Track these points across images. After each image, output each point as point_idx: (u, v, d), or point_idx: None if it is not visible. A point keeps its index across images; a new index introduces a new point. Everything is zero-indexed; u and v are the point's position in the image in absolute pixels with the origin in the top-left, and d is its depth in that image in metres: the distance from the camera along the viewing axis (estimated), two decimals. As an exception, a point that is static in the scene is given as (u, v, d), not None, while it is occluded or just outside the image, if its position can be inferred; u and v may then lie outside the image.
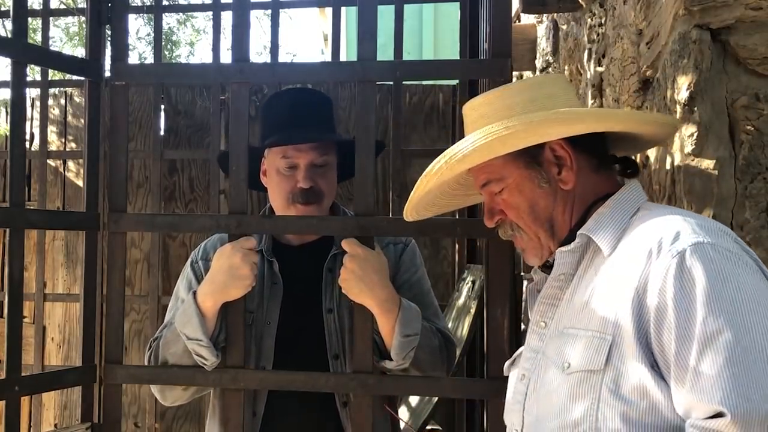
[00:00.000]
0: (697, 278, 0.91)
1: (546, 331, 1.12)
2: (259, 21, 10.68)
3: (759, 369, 0.86)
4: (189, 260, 1.75)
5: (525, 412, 1.11)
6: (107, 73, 1.72)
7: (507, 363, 1.27)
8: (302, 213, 1.62)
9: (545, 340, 1.11)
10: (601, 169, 1.15)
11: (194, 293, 1.55)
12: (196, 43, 12.33)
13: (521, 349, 1.24)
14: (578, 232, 1.09)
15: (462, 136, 1.18)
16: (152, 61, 4.48)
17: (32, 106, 3.66)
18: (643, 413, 0.93)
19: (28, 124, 3.56)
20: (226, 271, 1.51)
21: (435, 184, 1.19)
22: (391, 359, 1.51)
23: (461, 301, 2.61)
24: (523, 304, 2.99)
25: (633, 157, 1.24)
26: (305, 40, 32.40)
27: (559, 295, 1.12)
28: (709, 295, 0.90)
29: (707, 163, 1.25)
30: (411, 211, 1.31)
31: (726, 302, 0.89)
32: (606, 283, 1.01)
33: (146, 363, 1.65)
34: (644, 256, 0.97)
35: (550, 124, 1.08)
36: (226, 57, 3.27)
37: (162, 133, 3.50)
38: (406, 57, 2.67)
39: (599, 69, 2.08)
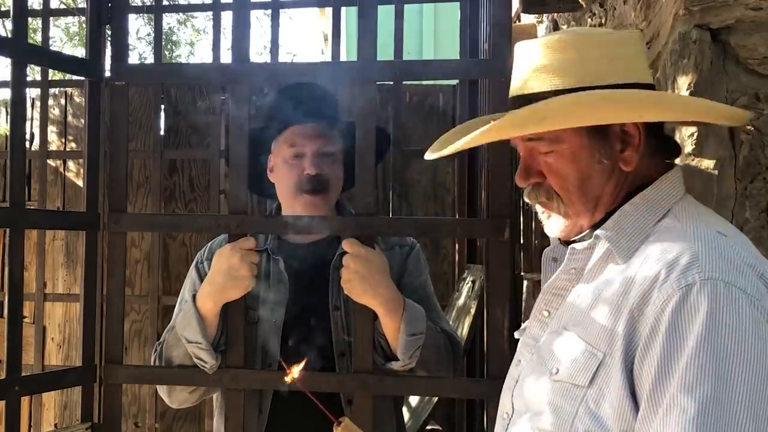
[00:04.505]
0: (697, 318, 0.83)
1: (548, 320, 1.08)
2: (259, 21, 10.71)
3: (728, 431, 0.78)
4: (194, 260, 1.74)
5: (514, 398, 1.08)
6: (107, 73, 1.72)
7: (519, 329, 1.20)
8: (309, 203, 1.62)
9: (546, 330, 1.08)
10: (658, 152, 1.05)
11: (194, 296, 1.55)
12: (196, 43, 12.32)
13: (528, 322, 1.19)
14: (595, 233, 1.01)
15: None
16: (152, 61, 4.48)
17: (32, 106, 3.66)
18: None
19: (28, 124, 3.56)
20: (225, 272, 1.50)
21: (479, 142, 1.07)
22: (395, 360, 1.51)
23: (461, 301, 2.60)
24: (524, 303, 2.99)
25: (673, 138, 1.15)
26: (305, 40, 32.50)
27: (567, 287, 1.07)
28: (702, 340, 0.81)
29: (707, 163, 1.25)
30: (431, 153, 1.20)
31: (717, 352, 0.81)
32: (611, 295, 0.95)
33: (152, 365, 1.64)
34: (651, 277, 0.89)
35: (645, 108, 0.95)
36: (226, 57, 3.27)
37: (162, 133, 3.50)
38: (406, 57, 2.67)
39: (599, 69, 2.07)
